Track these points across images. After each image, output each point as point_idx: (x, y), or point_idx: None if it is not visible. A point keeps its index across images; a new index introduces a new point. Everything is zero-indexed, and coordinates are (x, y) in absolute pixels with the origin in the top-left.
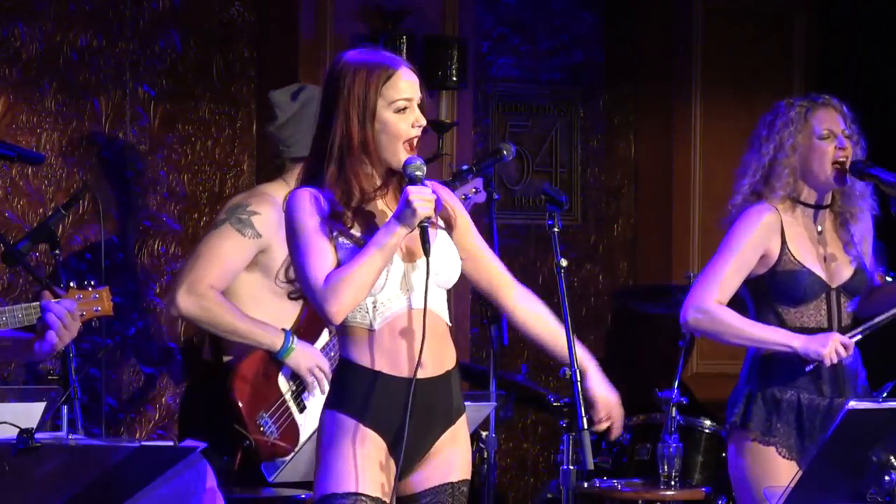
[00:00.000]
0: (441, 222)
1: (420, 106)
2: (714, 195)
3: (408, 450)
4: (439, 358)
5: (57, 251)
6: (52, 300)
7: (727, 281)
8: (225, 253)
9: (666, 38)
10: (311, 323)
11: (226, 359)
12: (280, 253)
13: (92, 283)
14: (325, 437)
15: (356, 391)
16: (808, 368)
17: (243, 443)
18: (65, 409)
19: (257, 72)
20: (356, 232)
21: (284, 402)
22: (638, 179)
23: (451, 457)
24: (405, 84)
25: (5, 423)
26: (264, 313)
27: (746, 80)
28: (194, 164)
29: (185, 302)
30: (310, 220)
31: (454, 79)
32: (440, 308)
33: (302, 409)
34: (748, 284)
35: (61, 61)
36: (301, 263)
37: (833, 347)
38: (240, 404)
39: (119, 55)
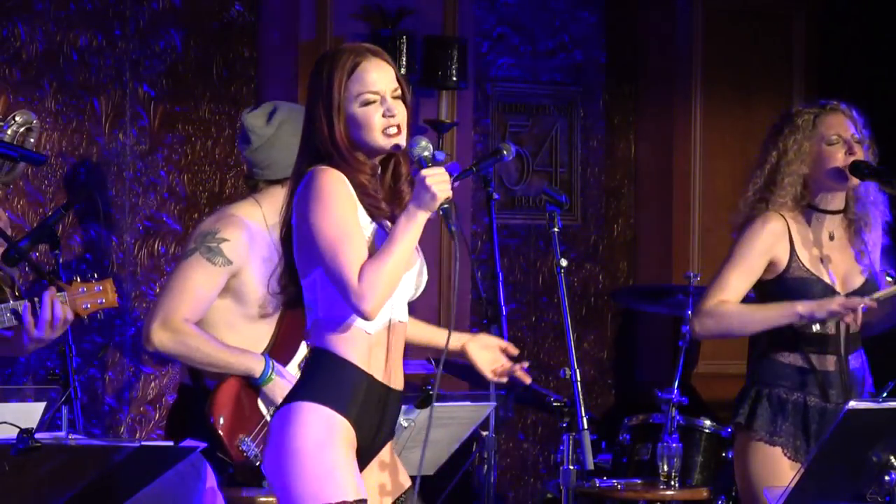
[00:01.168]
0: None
1: (402, 93)
2: (714, 195)
3: (365, 457)
4: (400, 375)
5: (57, 251)
6: (45, 294)
7: (732, 285)
8: (196, 284)
9: (666, 38)
10: (286, 340)
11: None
12: (251, 276)
13: (95, 275)
14: (314, 433)
15: (350, 390)
16: (815, 327)
17: (228, 470)
18: (65, 409)
19: (257, 72)
20: (373, 223)
21: (266, 423)
22: (638, 179)
23: (379, 481)
24: (371, 76)
25: (5, 423)
26: (239, 339)
27: (746, 80)
28: (194, 164)
29: (160, 337)
30: (348, 206)
31: (454, 79)
32: (406, 319)
33: None
34: (757, 290)
35: (61, 61)
36: (334, 254)
37: (841, 304)
38: (220, 432)
39: (119, 55)
